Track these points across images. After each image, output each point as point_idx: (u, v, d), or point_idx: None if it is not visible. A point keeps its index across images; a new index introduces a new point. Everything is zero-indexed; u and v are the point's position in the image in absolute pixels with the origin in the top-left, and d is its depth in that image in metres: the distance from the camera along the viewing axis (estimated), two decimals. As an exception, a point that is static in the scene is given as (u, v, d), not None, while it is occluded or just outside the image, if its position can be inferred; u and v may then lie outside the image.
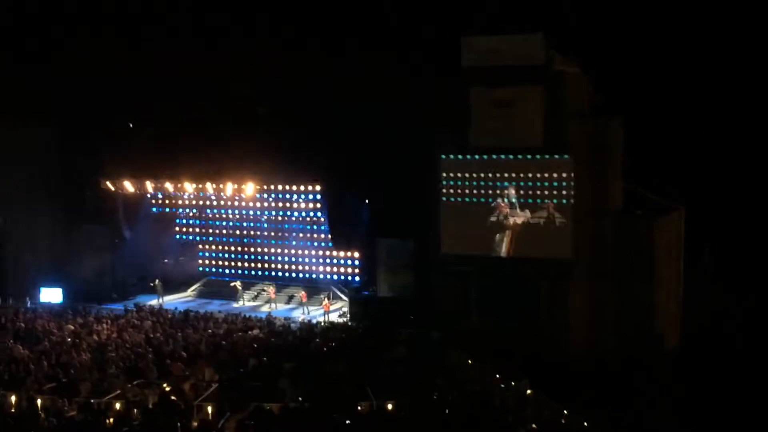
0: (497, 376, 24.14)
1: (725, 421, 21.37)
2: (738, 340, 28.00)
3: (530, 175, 29.77)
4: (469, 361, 26.31)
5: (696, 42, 30.44)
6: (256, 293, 39.93)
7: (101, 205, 38.99)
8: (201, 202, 40.81)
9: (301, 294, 37.70)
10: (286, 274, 40.27)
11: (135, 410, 19.67)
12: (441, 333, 29.80)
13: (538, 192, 29.75)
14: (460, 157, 30.94)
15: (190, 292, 40.95)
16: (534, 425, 19.56)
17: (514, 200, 30.03)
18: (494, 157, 30.26)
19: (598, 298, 29.32)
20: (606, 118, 29.75)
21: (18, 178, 37.37)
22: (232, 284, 39.32)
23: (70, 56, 35.75)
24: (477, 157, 30.55)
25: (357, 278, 38.26)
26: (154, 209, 41.58)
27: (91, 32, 35.48)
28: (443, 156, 31.17)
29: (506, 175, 30.15)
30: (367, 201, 36.02)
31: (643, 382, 24.79)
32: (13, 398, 20.35)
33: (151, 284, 39.08)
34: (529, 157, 29.74)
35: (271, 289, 38.63)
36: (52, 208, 38.20)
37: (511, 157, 30.09)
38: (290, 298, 38.98)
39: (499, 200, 30.28)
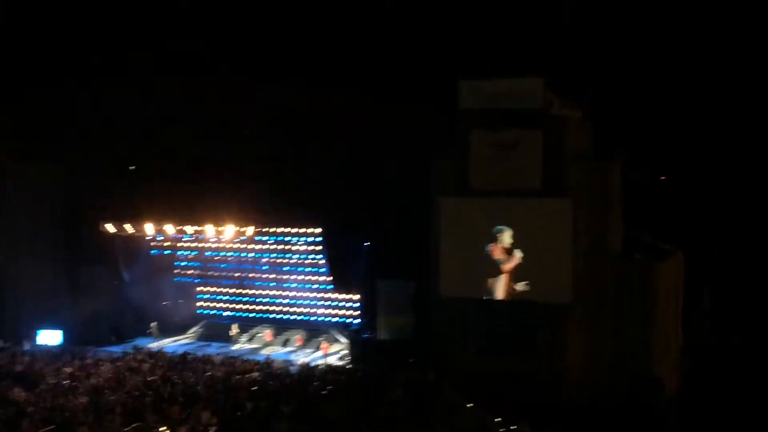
0: (496, 420, 24.00)
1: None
2: (738, 383, 27.85)
3: (528, 218, 29.76)
4: (467, 404, 26.18)
5: (696, 87, 30.70)
6: (252, 336, 39.83)
7: (100, 247, 39.01)
8: (201, 244, 40.86)
9: (297, 338, 37.66)
10: (285, 317, 40.20)
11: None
12: (437, 374, 29.67)
13: (535, 234, 29.70)
14: (459, 200, 30.95)
15: (189, 334, 40.85)
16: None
17: (508, 244, 29.99)
18: (493, 199, 30.28)
19: (597, 341, 29.20)
20: (606, 161, 29.84)
21: (18, 218, 37.42)
22: (232, 330, 39.23)
23: (74, 98, 36.08)
24: (476, 199, 30.58)
25: (357, 321, 38.17)
26: (153, 251, 41.61)
27: (92, 74, 35.78)
28: (443, 198, 31.21)
29: (505, 217, 30.14)
30: (367, 243, 36.07)
31: (642, 425, 24.63)
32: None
33: (149, 330, 39.02)
34: (528, 199, 29.78)
35: (268, 332, 38.55)
36: (52, 249, 38.21)
37: (510, 200, 30.11)
38: (286, 341, 38.89)
39: (494, 244, 30.23)
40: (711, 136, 30.72)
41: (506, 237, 30.05)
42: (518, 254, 29.87)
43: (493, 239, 30.20)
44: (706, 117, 30.89)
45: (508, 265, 30.03)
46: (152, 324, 39.10)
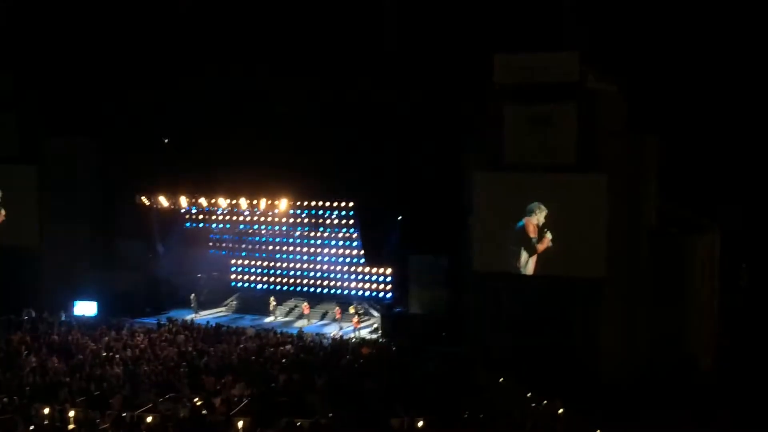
0: (528, 395, 23.98)
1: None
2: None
3: (563, 193, 29.55)
4: (501, 380, 26.17)
5: (733, 60, 30.21)
6: (288, 309, 40.05)
7: (136, 220, 39.32)
8: (235, 218, 41.05)
9: (336, 310, 37.75)
10: (318, 290, 40.34)
11: (167, 424, 19.74)
12: (471, 349, 29.66)
13: (569, 209, 29.50)
14: (494, 175, 30.79)
15: (223, 306, 41.15)
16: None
17: (542, 222, 29.83)
18: (528, 174, 30.09)
19: (631, 318, 29.00)
20: (641, 135, 29.51)
21: (57, 192, 37.84)
22: (270, 303, 39.43)
23: (110, 72, 36.28)
24: (510, 173, 30.40)
25: (389, 295, 38.22)
26: (187, 224, 41.88)
27: (130, 49, 35.94)
28: (477, 172, 31.05)
29: (539, 192, 29.96)
30: (399, 217, 36.02)
31: (677, 401, 24.50)
32: (46, 410, 20.51)
33: (191, 303, 39.39)
34: (562, 174, 29.56)
35: (305, 305, 38.73)
36: (89, 222, 38.59)
37: (544, 175, 29.91)
38: (324, 315, 39.06)
39: (528, 219, 30.07)
40: (749, 110, 30.24)
41: (541, 215, 29.88)
42: (549, 236, 29.74)
43: (528, 214, 30.06)
44: (743, 92, 30.40)
45: (542, 245, 29.91)
46: (191, 296, 39.46)
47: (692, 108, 30.33)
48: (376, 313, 37.47)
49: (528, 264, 30.23)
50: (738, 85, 30.32)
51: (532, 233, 30.07)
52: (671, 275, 28.73)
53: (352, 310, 36.77)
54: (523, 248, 30.27)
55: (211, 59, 34.94)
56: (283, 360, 28.09)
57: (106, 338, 30.55)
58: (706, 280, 30.31)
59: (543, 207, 29.85)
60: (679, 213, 30.01)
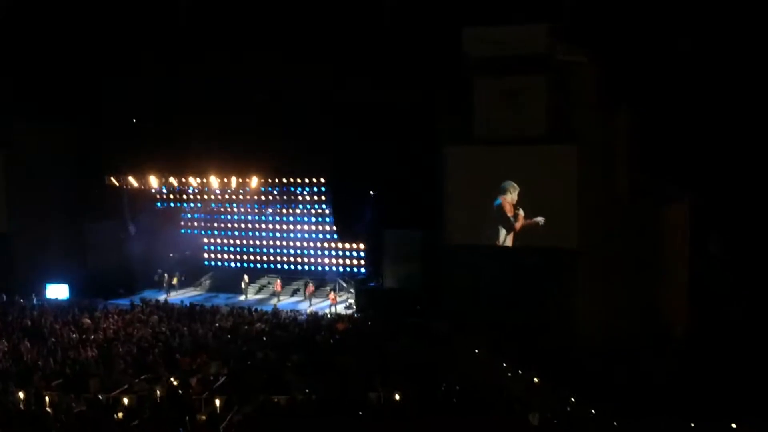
0: (504, 365, 24.15)
1: (732, 409, 21.30)
2: (744, 329, 27.91)
3: (534, 165, 29.66)
4: (476, 351, 26.32)
5: (704, 29, 30.27)
6: (261, 286, 40.01)
7: (106, 201, 39.03)
8: (206, 197, 40.87)
9: (309, 287, 37.75)
10: (292, 267, 40.33)
11: (143, 405, 19.69)
12: (447, 323, 29.79)
13: (541, 181, 29.62)
14: (465, 149, 30.82)
15: (196, 285, 41.04)
16: (541, 413, 19.55)
17: (516, 200, 30.01)
18: (499, 146, 30.16)
19: (605, 288, 29.25)
20: (612, 107, 29.62)
21: (26, 175, 37.39)
22: (243, 281, 39.36)
23: (78, 53, 35.81)
24: (482, 147, 30.45)
25: (363, 270, 38.29)
26: (158, 204, 41.65)
27: (100, 30, 35.47)
28: (449, 146, 31.06)
29: (510, 164, 30.05)
30: (372, 192, 36.00)
31: (650, 371, 24.75)
32: (21, 394, 20.39)
33: (172, 280, 39.24)
34: (533, 146, 29.66)
35: (277, 282, 38.70)
36: (59, 204, 38.22)
37: (515, 148, 30.00)
38: (295, 291, 39.06)
39: (504, 198, 30.20)
40: (719, 77, 30.35)
41: (514, 193, 30.02)
42: (521, 213, 29.92)
43: (503, 192, 30.17)
44: (714, 58, 30.48)
45: (519, 224, 30.09)
46: (175, 274, 39.39)
47: (662, 78, 30.38)
48: (350, 289, 37.50)
49: (506, 240, 30.44)
50: (708, 54, 30.39)
51: (509, 212, 30.25)
52: (644, 245, 28.99)
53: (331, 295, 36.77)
54: (501, 226, 30.42)
55: (181, 41, 34.53)
56: (259, 338, 28.08)
57: (79, 320, 30.34)
58: (678, 248, 30.58)
59: (515, 185, 30.03)
60: (650, 183, 30.18)
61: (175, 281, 39.52)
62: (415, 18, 32.26)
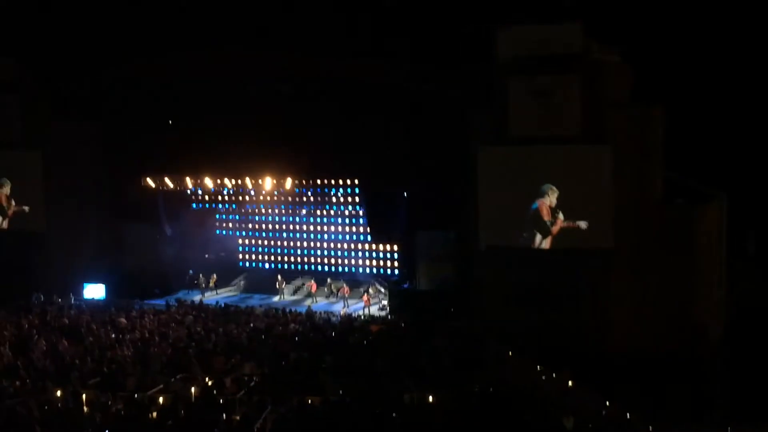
0: (538, 367, 24.03)
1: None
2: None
3: (568, 165, 29.49)
4: (509, 353, 26.22)
5: (737, 27, 29.98)
6: (296, 287, 40.15)
7: (143, 202, 39.40)
8: (240, 198, 41.11)
9: (344, 288, 37.83)
10: (326, 268, 40.43)
11: (178, 404, 19.82)
12: (480, 325, 29.71)
13: (575, 181, 29.43)
14: (499, 149, 30.71)
15: (232, 286, 41.28)
16: (575, 416, 19.42)
17: (555, 204, 29.80)
18: (532, 147, 30.01)
19: (640, 289, 28.99)
20: (646, 106, 29.38)
21: (62, 176, 37.83)
22: (278, 281, 39.54)
23: (113, 54, 36.15)
24: (515, 147, 30.33)
25: (396, 271, 38.28)
26: (194, 205, 41.96)
27: (133, 30, 35.77)
28: (482, 147, 30.98)
29: (544, 165, 29.89)
30: (405, 194, 35.99)
31: (686, 372, 24.53)
32: (59, 393, 20.61)
33: (210, 281, 39.49)
34: (567, 146, 29.49)
35: (312, 284, 38.82)
36: (96, 205, 38.64)
37: (549, 148, 29.84)
38: (331, 293, 39.15)
39: (542, 201, 30.01)
40: (753, 76, 30.03)
41: (553, 197, 29.82)
42: (561, 217, 29.72)
43: (541, 196, 29.99)
44: (749, 58, 30.17)
45: (556, 227, 29.88)
46: (213, 275, 39.66)
47: (697, 77, 30.13)
48: (384, 290, 37.51)
49: (542, 244, 30.25)
50: (743, 54, 30.10)
51: (546, 216, 30.03)
52: (680, 245, 28.66)
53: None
54: (537, 230, 30.23)
55: (213, 39, 34.72)
56: (293, 338, 28.18)
57: (116, 320, 30.64)
58: (714, 248, 30.26)
59: (555, 189, 29.79)
60: (686, 182, 29.90)
61: (212, 282, 39.82)
62: (451, 18, 32.25)
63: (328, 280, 39.07)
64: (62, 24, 35.93)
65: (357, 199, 38.73)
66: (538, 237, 30.26)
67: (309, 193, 39.67)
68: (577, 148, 29.31)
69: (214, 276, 39.99)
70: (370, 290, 37.14)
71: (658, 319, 28.68)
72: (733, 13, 29.76)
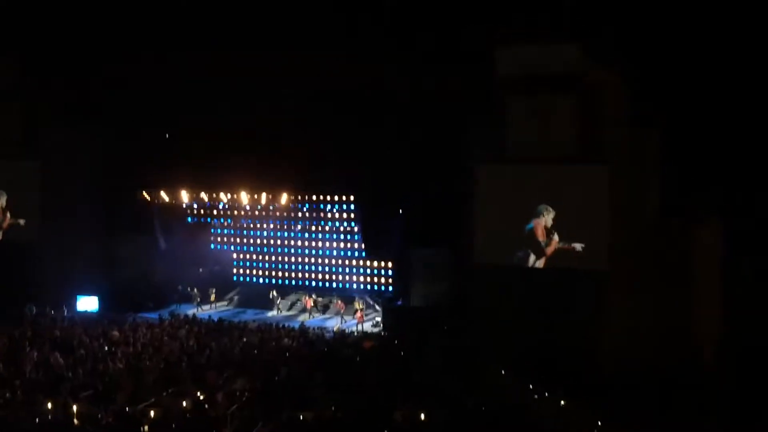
0: (531, 386, 23.95)
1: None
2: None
3: (565, 185, 29.51)
4: (503, 371, 26.15)
5: (736, 48, 30.05)
6: (290, 303, 40.07)
7: (137, 215, 39.34)
8: (236, 212, 41.09)
9: (338, 304, 37.75)
10: (320, 284, 40.38)
11: (170, 418, 19.73)
12: (473, 343, 29.66)
13: (572, 201, 29.45)
14: (495, 166, 30.73)
15: (225, 300, 41.20)
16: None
17: (550, 224, 29.81)
18: (529, 166, 30.05)
19: (636, 308, 28.90)
20: (644, 126, 29.45)
21: (58, 186, 37.75)
22: (272, 296, 39.46)
23: (112, 65, 36.17)
24: (512, 166, 30.36)
25: (390, 288, 38.25)
26: (189, 219, 41.91)
27: (134, 42, 35.80)
28: (478, 165, 31.00)
29: (541, 185, 29.90)
30: (401, 210, 35.98)
31: (681, 394, 24.44)
32: (50, 405, 20.51)
33: (209, 295, 39.47)
34: (564, 166, 29.52)
35: (307, 299, 38.76)
36: (90, 217, 38.56)
37: (545, 167, 29.87)
38: (326, 308, 39.07)
39: (537, 222, 30.01)
40: (751, 95, 30.08)
41: (549, 216, 29.83)
42: (556, 238, 29.72)
43: (537, 216, 29.99)
44: (748, 79, 30.22)
45: (551, 248, 29.87)
46: (211, 289, 39.59)
47: (696, 97, 30.16)
48: (377, 307, 37.44)
49: (536, 264, 30.24)
50: (742, 75, 30.15)
51: (541, 236, 30.02)
52: (675, 265, 28.65)
53: (358, 306, 36.73)
54: (531, 251, 30.22)
55: (212, 50, 34.76)
56: (285, 353, 28.09)
57: (108, 333, 30.52)
58: (710, 269, 30.22)
59: (551, 209, 29.81)
60: (682, 202, 29.90)
61: (212, 296, 39.69)
62: (448, 36, 32.33)
63: (314, 295, 38.97)
64: (63, 27, 35.93)
65: (352, 215, 38.70)
66: (532, 257, 30.23)
67: (304, 209, 39.64)
68: (574, 168, 29.34)
69: (213, 290, 39.84)
70: (358, 303, 36.88)
71: (653, 339, 28.57)
72: (732, 33, 29.83)
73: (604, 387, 24.74)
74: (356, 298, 37.71)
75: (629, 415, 21.83)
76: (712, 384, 26.09)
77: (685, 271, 28.76)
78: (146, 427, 19.10)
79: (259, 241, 41.97)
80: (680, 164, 29.68)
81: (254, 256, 42.16)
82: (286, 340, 30.49)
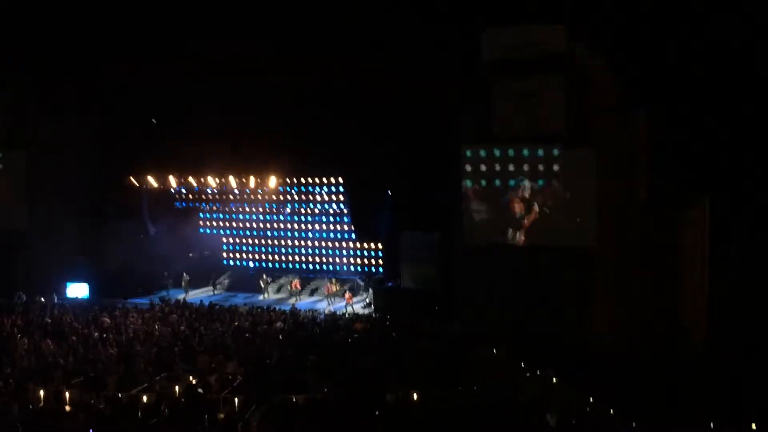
0: (521, 365, 24.12)
1: (751, 414, 21.18)
2: (765, 334, 27.67)
3: (552, 168, 29.62)
4: (493, 351, 26.30)
5: (722, 33, 30.17)
6: (280, 286, 40.13)
7: (126, 201, 39.28)
8: (224, 197, 41.07)
9: (327, 287, 37.84)
10: (310, 266, 40.46)
11: (162, 403, 19.79)
12: (461, 324, 29.81)
13: (558, 190, 29.55)
14: (482, 150, 30.80)
15: (216, 285, 41.20)
16: (559, 414, 19.51)
17: (528, 194, 29.92)
18: (516, 148, 30.12)
19: (622, 291, 29.10)
20: (631, 110, 29.50)
21: (46, 174, 37.65)
22: (262, 280, 39.51)
23: (99, 52, 36.06)
24: (499, 149, 30.43)
25: (380, 270, 38.35)
26: (177, 204, 41.87)
27: (120, 28, 35.71)
28: (465, 148, 31.06)
29: (528, 167, 30.00)
30: (389, 192, 36.05)
31: (670, 373, 24.63)
32: (41, 392, 20.54)
33: (183, 282, 39.42)
34: (554, 151, 29.60)
35: (296, 282, 38.82)
36: (79, 204, 38.49)
37: (533, 149, 29.94)
38: (315, 291, 39.16)
39: (512, 195, 30.14)
40: (738, 80, 30.22)
41: (525, 189, 29.94)
42: (536, 208, 29.82)
43: (512, 190, 30.10)
44: (733, 61, 30.36)
45: (529, 219, 29.99)
46: (184, 275, 39.50)
47: (682, 82, 30.29)
48: (367, 288, 37.53)
49: (516, 237, 30.36)
50: (728, 59, 30.29)
51: (518, 209, 30.16)
52: (663, 248, 28.77)
53: (334, 288, 36.94)
54: (509, 225, 30.36)
55: (199, 37, 34.69)
56: (278, 337, 28.17)
57: (99, 319, 30.54)
58: (697, 253, 30.42)
59: (528, 182, 29.90)
60: (669, 186, 30.03)
61: (184, 284, 39.50)
62: (436, 18, 32.33)
63: (300, 278, 39.05)
64: (50, 22, 35.82)
65: (341, 197, 38.75)
66: (510, 231, 30.37)
67: (293, 192, 39.65)
68: (560, 151, 29.42)
69: (186, 276, 39.68)
70: (342, 285, 36.88)
71: (641, 321, 28.79)
72: (719, 18, 29.94)
73: (594, 366, 24.91)
74: (343, 281, 37.82)
75: (619, 393, 22.00)
76: (700, 364, 26.31)
77: (672, 253, 28.90)
78: (139, 412, 19.14)
79: (248, 224, 41.98)
80: (667, 149, 29.82)
81: (244, 240, 42.19)
82: (277, 323, 30.54)
